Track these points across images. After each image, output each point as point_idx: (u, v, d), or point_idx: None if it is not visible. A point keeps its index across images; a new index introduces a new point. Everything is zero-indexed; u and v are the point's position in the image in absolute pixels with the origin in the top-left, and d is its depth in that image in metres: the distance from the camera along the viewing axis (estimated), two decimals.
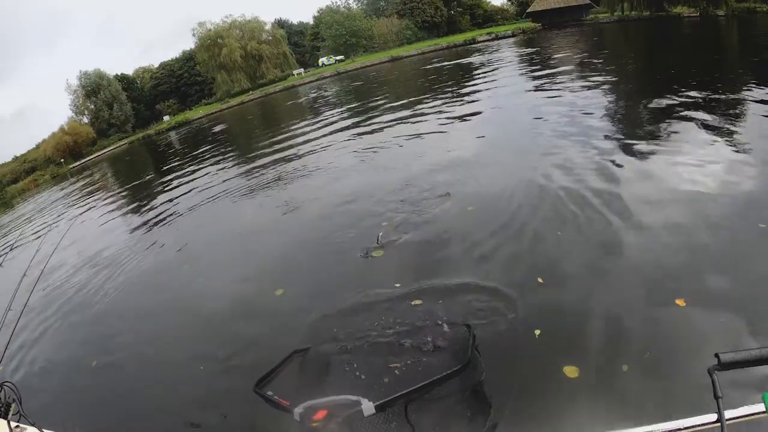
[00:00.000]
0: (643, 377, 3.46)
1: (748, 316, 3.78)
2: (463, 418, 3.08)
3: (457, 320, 4.44)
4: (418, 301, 4.95)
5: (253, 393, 3.12)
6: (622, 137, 9.22)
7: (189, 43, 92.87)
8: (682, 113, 9.96)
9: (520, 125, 11.65)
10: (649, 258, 4.93)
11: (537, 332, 4.14)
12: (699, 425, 1.16)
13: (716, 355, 1.15)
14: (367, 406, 2.25)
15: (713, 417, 1.12)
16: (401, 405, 2.55)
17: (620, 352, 3.73)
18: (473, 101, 17.54)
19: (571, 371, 3.62)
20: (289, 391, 3.04)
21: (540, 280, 4.97)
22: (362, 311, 5.02)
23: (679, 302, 4.11)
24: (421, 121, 16.03)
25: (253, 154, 18.04)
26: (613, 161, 7.88)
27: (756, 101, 9.96)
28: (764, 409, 1.12)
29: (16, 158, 68.01)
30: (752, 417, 1.14)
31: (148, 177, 23.84)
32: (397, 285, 5.40)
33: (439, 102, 18.90)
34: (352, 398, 2.29)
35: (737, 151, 7.36)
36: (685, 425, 1.17)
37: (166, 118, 71.31)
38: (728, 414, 1.11)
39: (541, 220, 6.34)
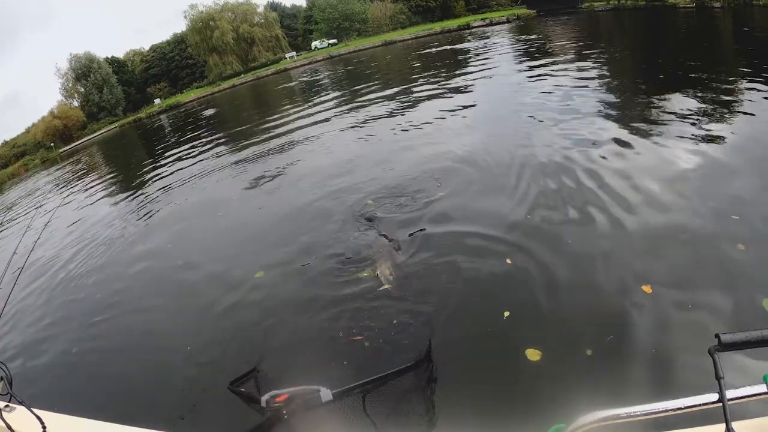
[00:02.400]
0: (605, 361, 3.51)
1: (714, 305, 3.84)
2: (419, 407, 3.09)
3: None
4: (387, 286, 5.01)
5: (226, 389, 3.28)
6: (608, 124, 9.26)
7: (180, 26, 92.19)
8: (668, 104, 9.96)
9: (510, 117, 11.52)
10: (623, 244, 5.00)
11: (506, 314, 4.20)
12: (700, 404, 1.16)
13: (717, 336, 1.16)
14: (325, 393, 2.40)
15: (714, 397, 1.13)
16: (358, 395, 2.67)
17: (584, 337, 3.77)
18: (465, 88, 17.44)
19: (533, 354, 3.68)
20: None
21: (509, 261, 5.04)
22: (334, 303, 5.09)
23: (646, 288, 4.16)
24: (413, 105, 16.05)
25: (243, 140, 17.80)
26: (595, 147, 7.99)
27: (738, 92, 10.02)
28: (765, 390, 1.13)
29: (5, 143, 67.50)
30: (753, 398, 1.15)
31: (137, 161, 23.69)
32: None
33: (430, 87, 18.90)
34: (312, 387, 2.44)
35: (718, 142, 7.37)
36: (686, 404, 1.17)
37: (157, 101, 70.85)
38: (729, 394, 1.12)
39: (516, 204, 6.39)
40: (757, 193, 5.60)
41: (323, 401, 2.42)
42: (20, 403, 1.94)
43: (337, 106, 20.56)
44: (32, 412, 1.78)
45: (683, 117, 8.85)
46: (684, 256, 4.60)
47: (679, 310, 3.87)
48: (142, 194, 13.70)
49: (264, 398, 2.56)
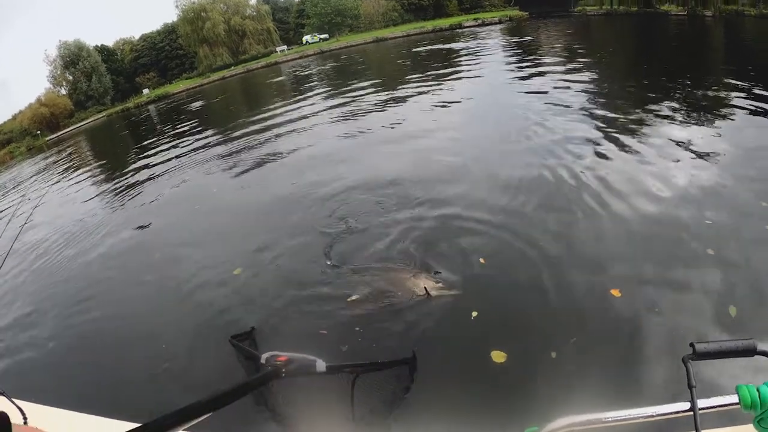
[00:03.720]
0: (569, 364, 3.52)
1: (681, 310, 3.89)
2: (399, 402, 3.22)
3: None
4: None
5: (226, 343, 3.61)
6: (591, 126, 9.39)
7: (171, 16, 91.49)
8: (653, 108, 10.16)
9: (496, 119, 11.60)
10: (595, 247, 5.04)
11: (474, 314, 4.23)
12: (672, 413, 1.15)
13: (692, 345, 1.15)
14: (320, 365, 2.39)
15: (686, 405, 1.13)
16: (350, 375, 2.76)
17: (550, 339, 3.79)
18: (453, 87, 17.60)
19: (498, 356, 3.69)
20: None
21: (482, 260, 5.09)
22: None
23: (615, 292, 4.20)
24: (401, 104, 16.17)
25: (230, 133, 17.80)
26: (574, 149, 8.11)
27: (725, 99, 10.28)
28: (737, 401, 1.13)
29: None
30: (725, 408, 1.15)
31: (123, 151, 23.60)
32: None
33: (419, 85, 19.03)
34: (310, 357, 2.43)
35: (699, 149, 7.45)
36: (658, 412, 1.16)
37: (145, 91, 70.24)
38: (701, 404, 1.12)
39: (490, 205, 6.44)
40: (732, 199, 5.68)
41: (317, 371, 2.44)
42: (1, 393, 1.88)
43: (326, 101, 20.69)
44: (13, 402, 1.73)
45: (667, 122, 9.06)
46: (655, 261, 4.63)
47: (646, 315, 3.89)
48: (126, 185, 13.71)
49: (264, 356, 2.54)
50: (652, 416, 1.16)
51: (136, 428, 1.08)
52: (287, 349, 2.61)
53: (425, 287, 4.58)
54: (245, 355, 3.46)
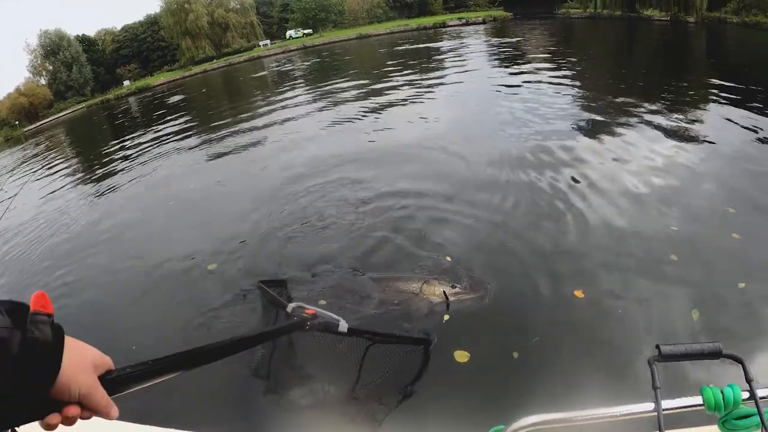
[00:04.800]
0: (530, 364, 3.61)
1: (644, 312, 4.04)
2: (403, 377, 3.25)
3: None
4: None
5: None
6: (567, 126, 9.98)
7: (154, 7, 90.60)
8: (628, 113, 10.68)
9: (477, 117, 12.21)
10: (560, 248, 5.19)
11: (446, 317, 4.30)
12: (636, 413, 1.17)
13: (657, 347, 1.16)
14: (342, 325, 2.58)
15: (651, 406, 1.14)
16: (366, 341, 2.89)
17: (512, 339, 3.89)
18: (435, 85, 18.04)
19: (461, 356, 3.74)
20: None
21: (448, 258, 5.24)
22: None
23: (578, 293, 4.31)
24: (382, 99, 16.68)
25: (210, 127, 18.21)
26: (546, 153, 8.34)
27: (701, 106, 11.02)
28: (701, 402, 1.15)
29: None
30: (688, 409, 1.17)
31: (102, 144, 23.64)
32: None
33: (401, 82, 19.59)
34: (334, 316, 2.62)
35: (672, 152, 7.80)
36: (623, 412, 1.17)
37: (126, 83, 69.56)
38: (665, 404, 1.13)
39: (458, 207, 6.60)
40: (700, 204, 5.88)
41: (339, 330, 2.59)
42: None
43: (307, 96, 21.10)
44: None
45: (642, 126, 9.48)
46: (619, 263, 4.76)
47: (609, 316, 4.01)
48: (102, 179, 13.90)
49: (291, 305, 2.78)
50: (617, 416, 1.18)
51: (162, 357, 1.07)
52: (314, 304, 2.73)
53: (444, 292, 4.53)
54: (272, 301, 3.47)
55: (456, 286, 4.59)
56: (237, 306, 5.04)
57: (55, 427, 0.84)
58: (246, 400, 3.69)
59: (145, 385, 1.01)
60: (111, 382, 0.92)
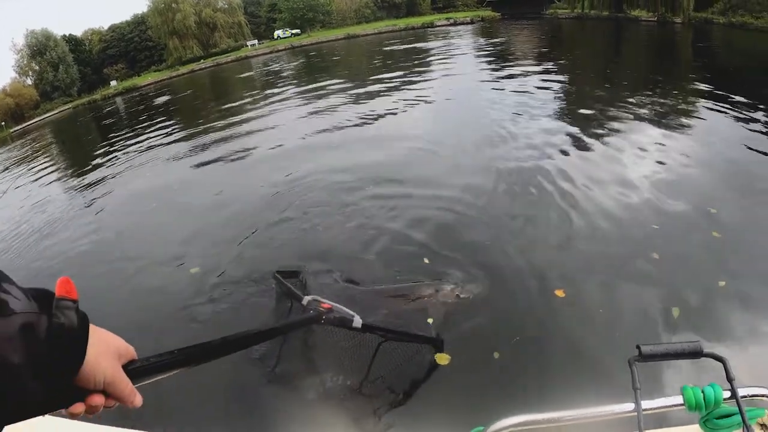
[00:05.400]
0: (511, 364, 3.60)
1: (626, 311, 4.05)
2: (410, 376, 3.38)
3: None
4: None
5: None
6: (553, 125, 10.07)
7: (142, 6, 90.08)
8: (614, 112, 10.79)
9: (464, 117, 12.19)
10: (540, 247, 5.17)
11: (429, 320, 4.20)
12: (616, 413, 1.15)
13: (637, 347, 1.14)
14: (357, 321, 2.63)
15: (630, 406, 1.13)
16: (378, 338, 2.96)
17: (492, 339, 3.86)
18: (421, 84, 18.26)
19: (441, 358, 3.65)
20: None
21: (426, 260, 5.20)
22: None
23: (559, 293, 4.28)
24: (369, 98, 16.80)
25: (196, 128, 18.12)
26: (531, 150, 8.42)
27: (686, 105, 11.11)
28: (682, 402, 1.14)
29: None
30: (668, 408, 1.16)
31: (89, 145, 23.66)
32: None
33: (388, 83, 19.59)
34: (349, 311, 2.67)
35: (654, 152, 7.82)
36: (603, 413, 1.16)
37: (113, 83, 69.05)
38: (645, 404, 1.12)
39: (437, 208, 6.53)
40: (682, 203, 5.89)
41: (353, 326, 2.64)
42: None
43: (294, 97, 20.99)
44: None
45: (627, 124, 9.60)
46: (600, 262, 4.75)
47: (589, 315, 4.00)
48: (88, 181, 13.59)
49: (307, 298, 2.82)
50: (597, 416, 1.17)
51: (183, 348, 1.07)
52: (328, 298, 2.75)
53: (457, 294, 4.43)
54: (288, 292, 3.43)
55: (450, 288, 4.52)
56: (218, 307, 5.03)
57: (78, 416, 0.82)
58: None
59: (166, 375, 1.02)
60: (134, 371, 0.92)
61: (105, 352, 0.85)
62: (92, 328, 0.84)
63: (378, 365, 3.13)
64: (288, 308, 3.45)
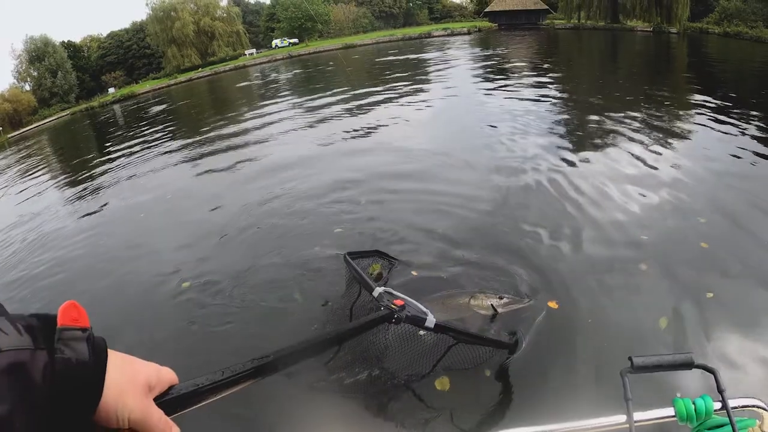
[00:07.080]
0: (502, 380, 3.48)
1: (614, 322, 3.97)
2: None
3: None
4: None
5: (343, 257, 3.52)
6: (548, 138, 9.95)
7: (141, 14, 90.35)
8: (610, 123, 10.77)
9: (460, 127, 12.21)
10: (533, 257, 5.06)
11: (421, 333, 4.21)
12: (608, 425, 1.15)
13: (630, 359, 1.15)
14: (430, 320, 2.38)
15: (622, 418, 1.13)
16: (451, 339, 2.73)
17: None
18: (418, 94, 18.30)
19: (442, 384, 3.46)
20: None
21: (414, 273, 4.97)
22: None
23: (552, 304, 4.22)
24: (365, 109, 16.72)
25: (193, 137, 17.71)
26: (528, 161, 8.36)
27: (681, 116, 11.11)
28: (673, 414, 1.14)
29: None
30: (660, 420, 1.16)
31: (86, 152, 23.38)
32: None
33: (385, 93, 19.63)
34: (423, 308, 2.43)
35: (649, 162, 7.81)
36: (593, 425, 1.16)
37: (111, 90, 69.15)
38: (637, 416, 1.12)
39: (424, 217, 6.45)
40: (671, 214, 5.87)
41: (426, 325, 2.39)
42: None
43: (291, 107, 20.92)
44: None
45: (621, 135, 9.56)
46: (592, 274, 4.68)
47: (581, 327, 3.93)
48: (83, 190, 13.42)
49: (378, 290, 2.58)
50: (589, 429, 1.16)
51: (227, 368, 0.93)
52: (400, 291, 2.55)
53: (491, 305, 4.08)
54: (359, 279, 3.12)
55: (503, 297, 4.20)
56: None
57: None
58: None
59: (211, 400, 0.88)
60: (171, 402, 0.80)
61: (130, 388, 0.73)
62: (113, 356, 0.73)
63: (446, 363, 2.98)
64: (356, 296, 3.24)
